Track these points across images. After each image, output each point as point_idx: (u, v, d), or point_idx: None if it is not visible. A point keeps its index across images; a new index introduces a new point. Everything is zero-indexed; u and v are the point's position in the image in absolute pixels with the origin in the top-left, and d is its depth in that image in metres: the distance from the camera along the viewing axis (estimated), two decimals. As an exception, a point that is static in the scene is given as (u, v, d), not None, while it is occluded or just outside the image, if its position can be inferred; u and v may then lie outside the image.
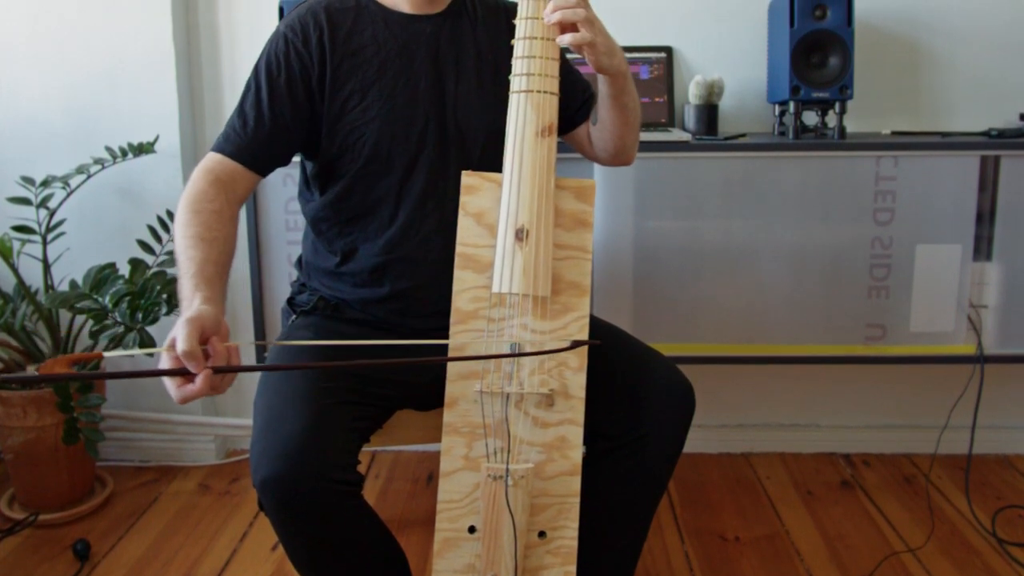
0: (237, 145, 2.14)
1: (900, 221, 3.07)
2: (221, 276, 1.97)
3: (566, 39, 2.00)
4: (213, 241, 1.97)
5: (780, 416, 3.75)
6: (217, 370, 1.68)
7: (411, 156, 2.21)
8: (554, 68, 2.02)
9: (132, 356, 1.83)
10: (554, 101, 2.01)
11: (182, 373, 1.66)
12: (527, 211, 1.95)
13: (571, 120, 2.43)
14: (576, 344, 1.95)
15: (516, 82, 2.02)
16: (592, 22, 2.02)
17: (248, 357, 3.24)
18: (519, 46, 2.03)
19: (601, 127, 2.32)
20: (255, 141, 2.14)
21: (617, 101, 2.21)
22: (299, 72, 2.17)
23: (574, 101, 2.41)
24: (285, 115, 2.16)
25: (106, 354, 1.74)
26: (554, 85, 2.01)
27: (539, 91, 2.00)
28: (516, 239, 1.94)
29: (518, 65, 2.02)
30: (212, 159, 2.13)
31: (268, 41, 2.23)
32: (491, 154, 2.13)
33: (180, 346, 1.64)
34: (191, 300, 1.82)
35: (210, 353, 1.69)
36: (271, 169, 2.21)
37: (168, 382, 1.69)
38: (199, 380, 1.65)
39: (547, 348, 1.96)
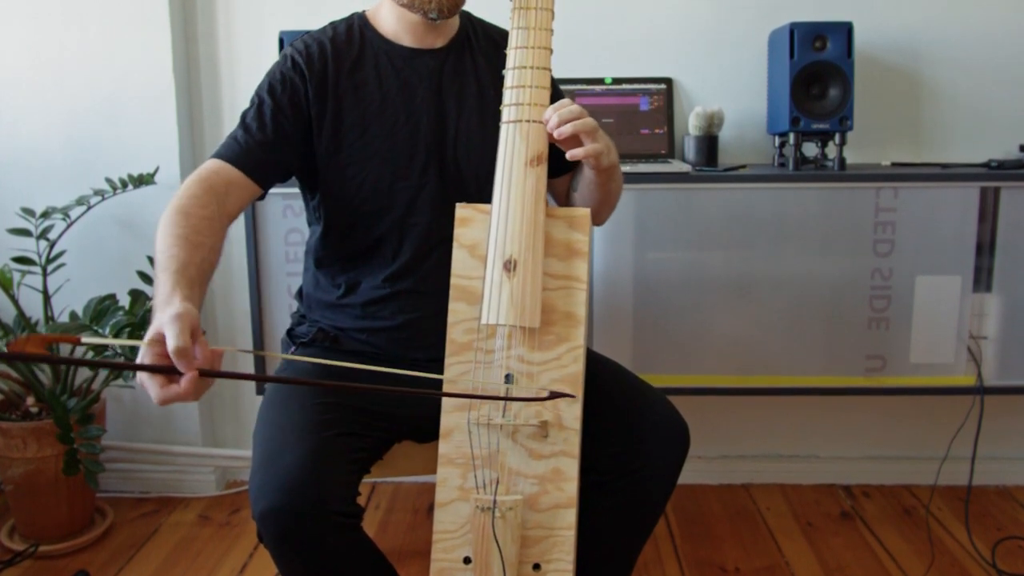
0: (237, 152, 2.13)
1: (900, 252, 3.07)
2: (202, 282, 1.84)
3: (579, 152, 2.00)
4: (199, 246, 1.88)
5: (780, 447, 3.75)
6: (203, 373, 1.57)
7: (412, 193, 2.22)
8: (544, 97, 2.03)
9: (111, 344, 1.75)
10: (543, 130, 2.01)
11: (169, 371, 1.55)
12: (515, 242, 1.95)
13: (558, 166, 2.32)
14: (554, 395, 1.94)
15: (506, 112, 2.03)
16: (597, 128, 2.03)
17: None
18: (509, 76, 2.05)
19: (580, 198, 2.29)
20: (256, 150, 2.14)
21: (603, 187, 2.20)
22: (302, 91, 2.19)
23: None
24: (288, 128, 2.17)
25: (85, 339, 1.67)
26: (543, 115, 2.02)
27: (528, 120, 2.01)
28: (504, 270, 1.94)
29: (508, 95, 2.04)
30: (208, 167, 2.10)
31: (275, 63, 2.25)
32: (491, 188, 2.12)
33: (172, 343, 1.54)
34: (169, 297, 1.69)
35: (196, 355, 1.58)
36: (268, 183, 2.19)
37: (149, 381, 1.57)
38: (185, 382, 1.54)
39: (534, 392, 1.95)
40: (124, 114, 3.44)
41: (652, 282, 3.12)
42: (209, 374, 1.59)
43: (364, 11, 2.32)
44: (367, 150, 2.20)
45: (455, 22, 2.33)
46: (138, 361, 1.58)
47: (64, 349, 3.33)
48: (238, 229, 3.16)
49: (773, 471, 3.74)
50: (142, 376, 1.58)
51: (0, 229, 3.27)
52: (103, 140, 3.45)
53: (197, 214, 1.94)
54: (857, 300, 3.11)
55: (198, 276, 1.82)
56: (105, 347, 2.36)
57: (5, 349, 1.47)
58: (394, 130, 2.21)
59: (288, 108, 2.18)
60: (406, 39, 2.26)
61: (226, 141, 2.16)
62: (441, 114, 2.25)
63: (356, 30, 2.27)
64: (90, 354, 1.73)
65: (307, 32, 2.30)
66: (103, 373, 3.00)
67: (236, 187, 2.11)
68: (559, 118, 1.97)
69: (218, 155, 2.14)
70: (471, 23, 2.37)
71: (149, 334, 1.60)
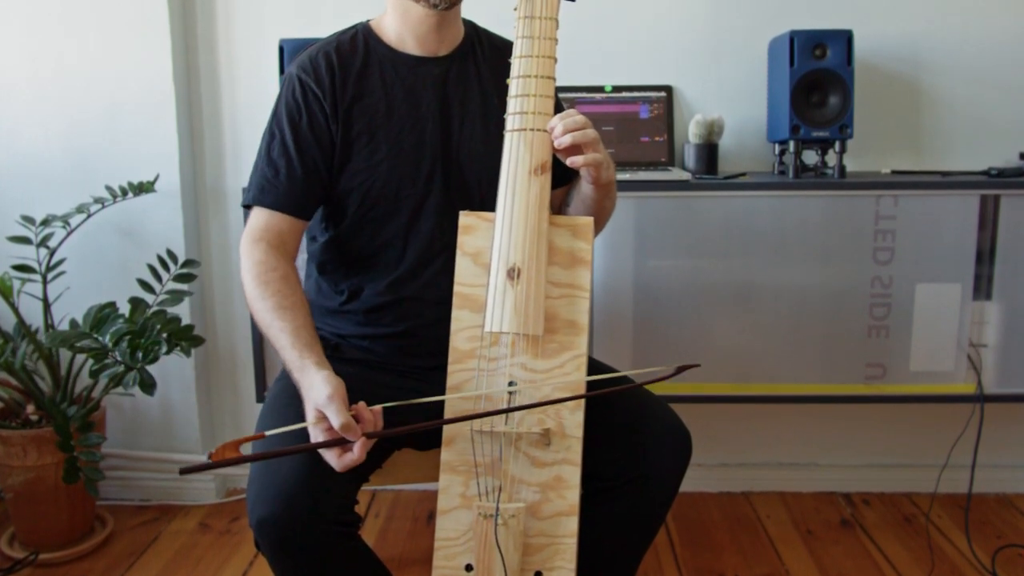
0: (275, 196, 2.15)
1: (900, 260, 3.07)
2: (314, 334, 2.01)
3: (579, 160, 2.01)
4: (292, 307, 2.02)
5: (780, 455, 3.74)
6: (370, 435, 1.80)
7: (418, 199, 2.22)
8: (548, 106, 2.03)
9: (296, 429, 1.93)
10: (548, 139, 2.00)
11: (341, 443, 1.78)
12: (519, 250, 1.95)
13: (555, 178, 2.36)
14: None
15: (510, 121, 2.03)
16: (599, 140, 2.03)
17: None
18: (514, 84, 2.04)
19: (574, 213, 2.27)
20: (291, 188, 2.16)
21: (598, 204, 2.20)
22: (319, 113, 2.18)
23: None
24: (314, 156, 2.18)
25: (268, 432, 1.85)
26: (548, 124, 2.01)
27: (532, 129, 2.01)
28: (508, 278, 1.95)
29: (512, 104, 2.04)
30: (256, 222, 2.16)
31: (282, 86, 2.25)
32: (493, 196, 2.11)
33: (337, 421, 1.76)
34: (301, 368, 1.91)
35: (359, 420, 1.81)
36: (312, 212, 2.23)
37: (328, 453, 1.80)
38: (357, 448, 1.78)
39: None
40: (124, 122, 3.44)
41: (652, 290, 3.12)
42: (374, 435, 1.83)
43: (368, 21, 2.32)
44: (374, 157, 2.20)
45: (459, 30, 2.32)
46: (312, 438, 1.81)
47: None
48: (238, 235, 3.16)
49: (773, 479, 3.74)
50: (323, 451, 1.81)
51: (0, 237, 3.27)
52: (103, 148, 3.46)
53: (274, 278, 2.07)
54: (857, 308, 3.11)
55: (309, 334, 2.00)
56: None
57: (209, 459, 1.63)
58: (400, 137, 2.21)
59: (310, 136, 2.18)
60: (411, 47, 2.26)
61: (259, 183, 2.19)
62: (446, 121, 2.25)
63: (360, 39, 2.27)
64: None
65: (308, 41, 2.30)
66: (103, 380, 2.99)
67: (287, 232, 2.17)
68: (564, 127, 1.98)
69: (258, 202, 2.18)
70: (476, 33, 2.37)
71: (310, 416, 1.83)
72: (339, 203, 2.24)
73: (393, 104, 2.22)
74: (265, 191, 2.16)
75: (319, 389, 1.81)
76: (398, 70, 2.24)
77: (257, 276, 2.05)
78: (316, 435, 1.79)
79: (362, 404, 1.82)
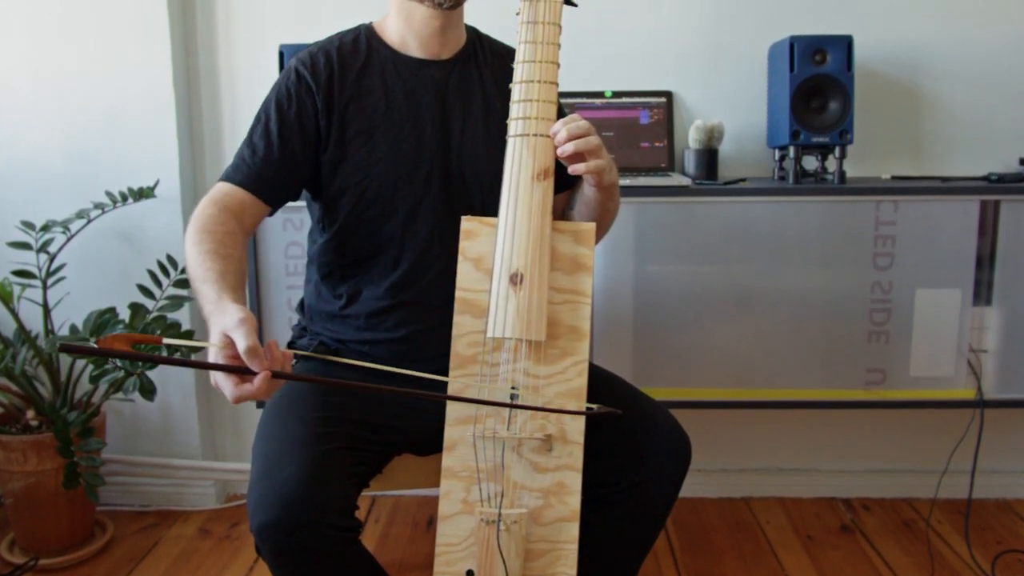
0: (246, 174, 2.15)
1: (900, 266, 3.07)
2: (240, 289, 1.93)
3: (581, 167, 2.01)
4: (228, 258, 1.95)
5: (780, 460, 3.74)
6: (276, 375, 1.68)
7: (415, 200, 2.22)
8: (551, 111, 2.03)
9: (197, 347, 1.86)
10: (551, 145, 2.01)
11: (243, 371, 1.66)
12: (522, 255, 1.95)
13: (558, 183, 2.36)
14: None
15: (513, 126, 2.03)
16: (602, 146, 2.04)
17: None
18: (516, 89, 2.04)
19: (578, 216, 2.29)
20: (264, 170, 2.15)
21: (602, 206, 2.21)
22: (310, 105, 2.19)
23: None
24: (295, 145, 2.18)
25: (166, 340, 1.75)
26: (551, 129, 2.01)
27: (536, 135, 2.01)
28: (511, 283, 1.94)
29: (515, 109, 2.04)
30: (220, 189, 2.14)
31: (280, 75, 2.25)
32: (494, 200, 2.12)
33: (243, 343, 1.64)
34: (217, 302, 1.80)
35: (267, 356, 1.68)
36: (280, 201, 2.22)
37: (224, 380, 1.69)
38: (258, 381, 1.65)
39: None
40: (124, 127, 3.44)
41: (652, 295, 3.12)
42: (280, 375, 1.70)
43: (371, 22, 2.32)
44: (372, 156, 2.20)
45: (462, 35, 2.33)
46: (211, 362, 1.69)
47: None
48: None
49: (773, 484, 3.74)
50: (217, 376, 1.70)
51: (0, 242, 3.27)
52: (103, 153, 3.46)
53: (219, 230, 2.01)
54: (857, 313, 3.11)
55: (235, 283, 1.91)
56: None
57: (96, 344, 1.57)
58: (399, 138, 2.21)
59: (295, 125, 2.18)
60: (413, 49, 2.26)
61: (234, 162, 2.18)
62: (446, 124, 2.25)
63: (363, 40, 2.28)
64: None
65: (308, 45, 2.30)
66: (103, 385, 3.00)
67: (248, 207, 2.15)
68: (567, 132, 1.98)
69: (228, 178, 2.16)
70: (478, 38, 2.37)
71: (215, 337, 1.70)
72: (334, 201, 2.24)
73: (393, 105, 2.22)
74: (238, 169, 2.16)
75: (231, 315, 1.70)
76: (400, 72, 2.25)
77: (203, 225, 2.01)
78: (220, 359, 1.68)
79: (274, 342, 1.73)
